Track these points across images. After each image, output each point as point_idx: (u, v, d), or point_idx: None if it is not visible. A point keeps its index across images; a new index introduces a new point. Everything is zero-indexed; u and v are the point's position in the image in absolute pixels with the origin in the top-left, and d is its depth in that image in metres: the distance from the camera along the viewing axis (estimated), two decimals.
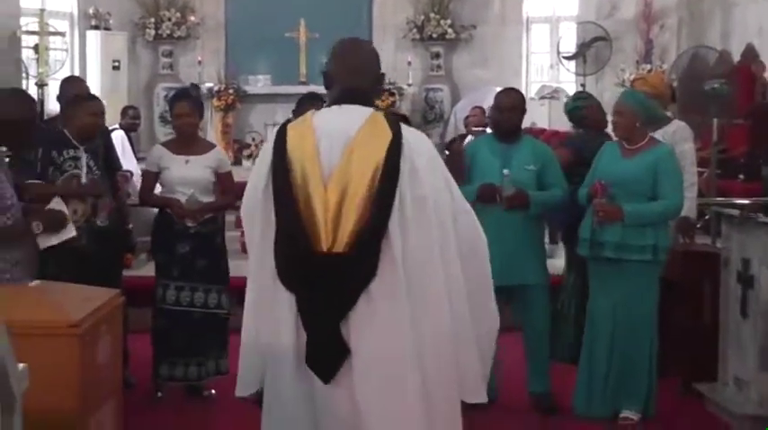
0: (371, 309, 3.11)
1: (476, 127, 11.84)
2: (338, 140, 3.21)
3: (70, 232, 4.80)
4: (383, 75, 3.54)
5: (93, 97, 6.15)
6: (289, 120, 3.40)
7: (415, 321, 3.13)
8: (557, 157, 6.03)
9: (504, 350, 5.85)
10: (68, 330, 3.61)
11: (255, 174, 3.34)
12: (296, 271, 3.17)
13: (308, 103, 5.72)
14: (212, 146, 6.39)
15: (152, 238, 6.26)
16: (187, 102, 6.12)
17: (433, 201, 3.19)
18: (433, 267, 3.17)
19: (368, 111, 3.30)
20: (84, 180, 5.71)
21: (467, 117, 12.42)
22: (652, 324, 5.58)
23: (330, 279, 3.12)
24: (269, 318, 3.25)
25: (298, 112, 5.25)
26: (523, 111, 6.01)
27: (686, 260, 6.22)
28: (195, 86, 6.24)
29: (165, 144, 6.31)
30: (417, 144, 3.25)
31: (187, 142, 6.14)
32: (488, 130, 7.31)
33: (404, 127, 3.27)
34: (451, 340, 3.20)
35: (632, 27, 14.27)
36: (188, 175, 6.01)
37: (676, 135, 6.45)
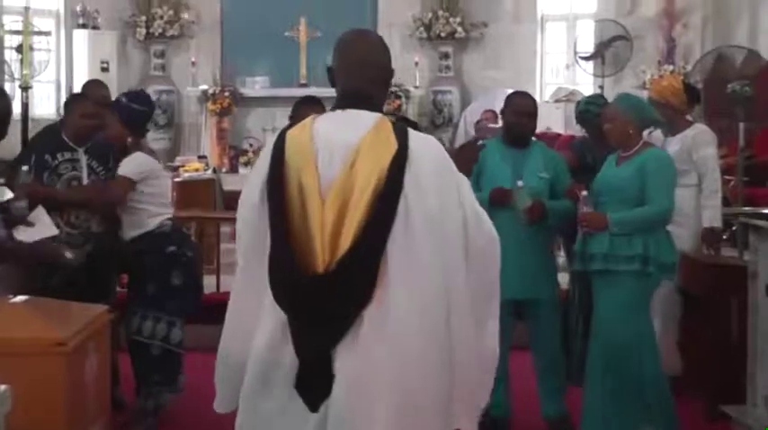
0: (361, 335, 3.03)
1: (488, 131, 11.83)
2: (339, 150, 3.11)
3: (51, 230, 4.86)
4: (392, 71, 3.39)
5: (86, 98, 6.19)
6: (289, 126, 3.30)
7: (406, 346, 3.04)
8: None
9: (518, 368, 5.93)
10: (54, 348, 3.63)
11: (250, 184, 3.27)
12: (289, 291, 3.10)
13: (304, 107, 5.70)
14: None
15: None
16: (109, 108, 6.12)
17: (440, 215, 3.10)
18: (435, 292, 3.09)
19: (374, 117, 3.19)
20: (85, 182, 5.82)
21: (478, 121, 12.43)
22: (644, 343, 5.50)
23: (325, 301, 3.05)
24: (252, 335, 3.18)
25: (294, 118, 5.24)
26: (537, 116, 6.05)
27: (711, 273, 6.22)
28: (131, 92, 6.21)
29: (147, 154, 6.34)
30: (424, 151, 3.14)
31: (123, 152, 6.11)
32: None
33: (412, 134, 3.17)
34: (443, 367, 3.12)
35: (654, 25, 14.27)
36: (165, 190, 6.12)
37: (696, 139, 6.46)
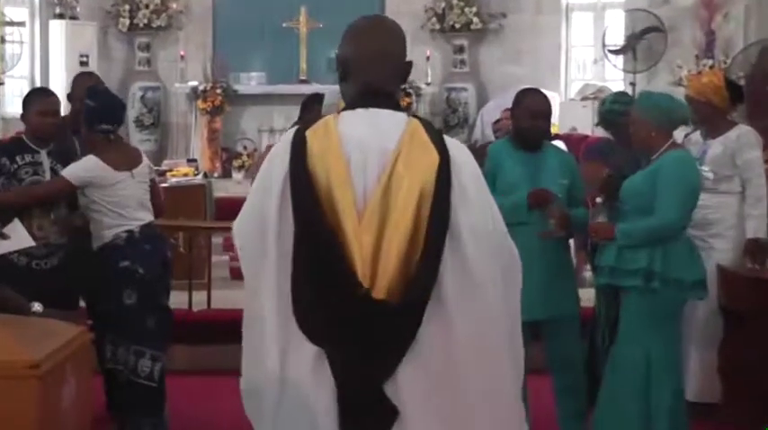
0: (421, 361, 3.01)
1: (506, 133, 11.84)
2: (373, 158, 3.06)
3: (27, 241, 4.90)
4: (411, 63, 3.33)
5: (45, 94, 6.20)
6: (305, 125, 3.19)
7: (467, 371, 3.05)
8: (590, 175, 6.07)
9: (536, 393, 5.93)
10: (27, 371, 3.62)
11: (261, 192, 3.16)
12: (327, 321, 3.03)
13: (319, 105, 5.67)
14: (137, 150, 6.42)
15: None
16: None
17: (485, 227, 3.11)
18: (493, 310, 3.10)
19: (401, 117, 3.16)
20: None
21: (496, 121, 12.41)
22: (653, 369, 5.48)
23: (371, 331, 3.01)
24: (283, 371, 3.08)
25: (307, 117, 5.21)
26: (551, 115, 6.09)
27: (756, 289, 6.20)
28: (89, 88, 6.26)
29: (99, 160, 6.33)
30: (463, 160, 3.14)
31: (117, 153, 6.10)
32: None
33: (447, 139, 3.16)
34: (503, 393, 3.16)
35: (691, 16, 14.24)
36: (134, 193, 6.07)
37: (740, 141, 6.46)
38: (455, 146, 3.17)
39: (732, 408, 6.06)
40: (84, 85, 6.54)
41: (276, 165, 3.13)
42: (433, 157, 3.07)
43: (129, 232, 5.90)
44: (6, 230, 5.36)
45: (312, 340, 3.02)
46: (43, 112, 5.87)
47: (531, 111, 5.91)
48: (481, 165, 4.38)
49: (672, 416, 5.45)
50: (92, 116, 5.92)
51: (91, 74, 7.50)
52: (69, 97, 6.72)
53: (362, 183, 3.05)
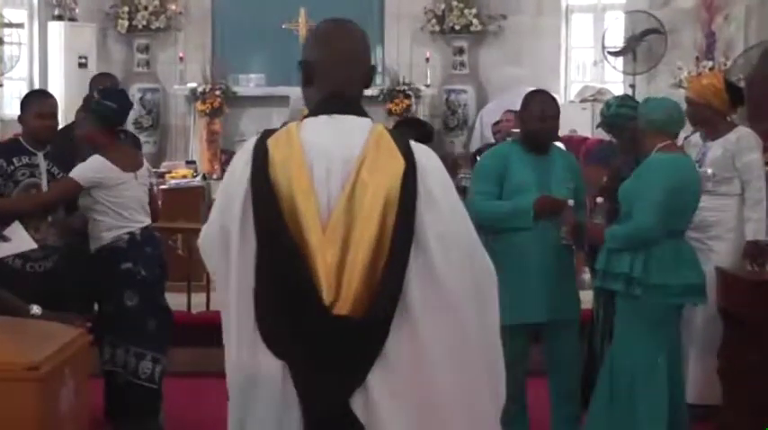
0: (389, 376, 2.91)
1: (507, 136, 11.84)
2: (336, 166, 2.97)
3: (29, 244, 4.91)
4: (374, 68, 3.30)
5: (43, 96, 6.20)
6: (267, 133, 3.09)
7: (438, 387, 2.96)
8: (592, 178, 6.10)
9: (535, 395, 5.94)
10: (26, 374, 3.62)
11: (222, 206, 3.07)
12: (290, 337, 2.93)
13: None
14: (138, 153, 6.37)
15: None
16: (83, 110, 6.11)
17: (453, 232, 3.00)
18: (461, 317, 2.99)
19: (366, 123, 3.07)
20: (45, 189, 5.82)
21: (496, 123, 12.41)
22: (638, 375, 5.50)
23: (335, 346, 2.91)
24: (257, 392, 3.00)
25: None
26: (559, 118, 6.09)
27: (756, 292, 6.19)
28: (102, 90, 6.17)
29: (107, 160, 6.32)
30: (430, 163, 3.05)
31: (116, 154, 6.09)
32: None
33: (413, 145, 3.06)
34: (478, 408, 3.05)
35: (691, 17, 14.24)
36: (137, 195, 6.08)
37: (740, 143, 6.47)
38: (423, 152, 3.06)
39: (732, 411, 6.05)
40: (105, 85, 6.60)
41: (237, 176, 3.03)
42: (399, 164, 2.97)
43: (131, 234, 5.93)
44: (7, 233, 5.37)
45: (277, 355, 2.92)
46: (42, 115, 5.87)
47: (540, 114, 5.89)
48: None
49: (655, 425, 5.46)
50: (112, 116, 5.99)
51: (109, 74, 7.53)
52: (87, 99, 6.65)
53: (326, 192, 2.95)
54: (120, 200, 5.92)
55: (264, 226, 2.94)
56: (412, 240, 2.93)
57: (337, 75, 3.11)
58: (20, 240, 5.40)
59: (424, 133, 6.10)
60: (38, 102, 5.99)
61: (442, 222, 2.98)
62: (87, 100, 6.21)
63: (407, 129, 6.01)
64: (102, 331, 5.73)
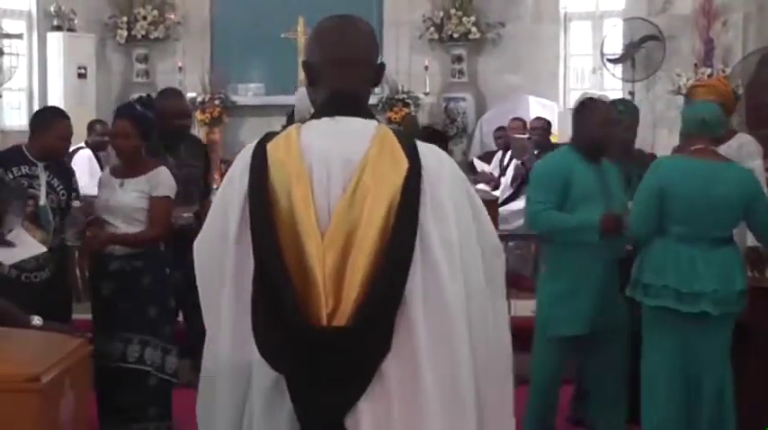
0: (385, 391, 2.78)
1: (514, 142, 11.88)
2: (337, 169, 2.84)
3: (38, 247, 4.94)
4: (383, 66, 3.12)
5: (63, 117, 6.21)
6: (267, 137, 2.98)
7: (441, 401, 2.81)
8: None
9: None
10: (26, 385, 3.60)
11: (219, 211, 2.98)
12: (285, 348, 2.80)
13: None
14: (155, 165, 6.17)
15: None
16: (127, 121, 6.04)
17: (460, 239, 2.86)
18: (462, 331, 2.84)
19: (371, 125, 2.95)
20: (42, 201, 5.84)
21: (496, 129, 12.45)
22: (645, 385, 5.63)
23: (332, 359, 2.78)
24: (240, 401, 2.92)
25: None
26: None
27: (756, 298, 6.18)
28: (143, 100, 6.14)
29: (113, 166, 6.35)
30: (438, 166, 2.91)
31: (127, 163, 6.09)
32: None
33: (421, 146, 2.92)
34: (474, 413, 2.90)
35: (689, 24, 14.22)
36: (114, 200, 5.99)
37: (742, 150, 6.47)
38: (431, 153, 2.94)
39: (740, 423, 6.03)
40: (181, 103, 6.72)
41: (236, 181, 2.93)
42: (402, 167, 2.84)
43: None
44: (11, 238, 5.37)
45: (272, 366, 2.80)
46: (63, 137, 5.97)
47: (603, 120, 5.89)
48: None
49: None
50: (153, 125, 6.11)
51: (177, 91, 7.60)
52: (162, 113, 6.58)
53: (326, 198, 2.82)
54: None
55: (260, 237, 2.83)
56: (414, 247, 2.80)
57: (340, 75, 2.99)
58: (28, 245, 5.41)
59: (442, 140, 6.15)
60: (61, 125, 6.02)
61: (449, 227, 2.85)
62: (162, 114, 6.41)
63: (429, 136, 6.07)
64: (140, 333, 5.84)
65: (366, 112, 3.00)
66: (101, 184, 6.13)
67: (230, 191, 2.94)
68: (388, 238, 2.79)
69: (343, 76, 2.99)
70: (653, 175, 5.59)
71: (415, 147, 2.91)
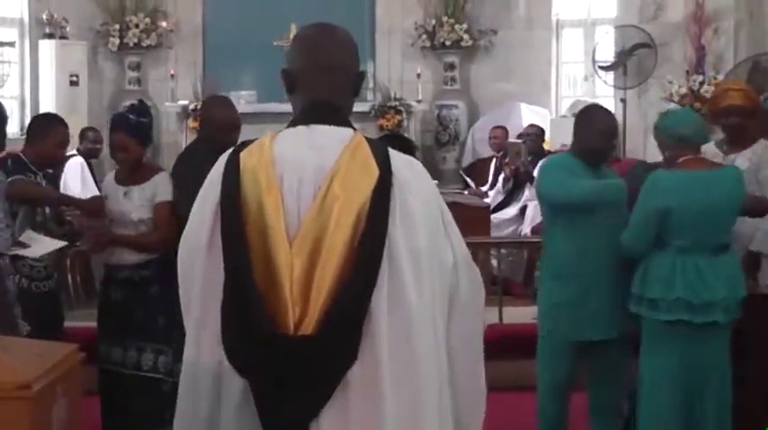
0: (347, 401, 2.79)
1: (498, 151, 11.90)
2: (309, 178, 2.85)
3: (55, 243, 5.04)
4: (363, 74, 3.17)
5: (62, 124, 6.22)
6: (242, 146, 3.00)
7: (400, 412, 2.81)
8: None
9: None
10: (18, 392, 3.58)
11: (194, 221, 3.01)
12: (252, 355, 2.83)
13: None
14: (157, 171, 6.19)
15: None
16: (123, 133, 6.03)
17: (428, 250, 2.88)
18: (428, 341, 2.86)
19: (346, 134, 2.95)
20: (47, 209, 5.87)
21: (490, 138, 12.45)
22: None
23: (297, 368, 2.79)
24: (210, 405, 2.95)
25: None
26: None
27: (753, 304, 6.14)
28: (135, 107, 6.10)
29: (116, 171, 6.33)
30: (410, 176, 2.92)
31: (130, 172, 6.10)
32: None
33: (394, 156, 2.94)
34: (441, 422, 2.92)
35: (681, 31, 14.25)
36: (119, 212, 5.99)
37: (764, 156, 6.36)
38: (403, 163, 2.95)
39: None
40: (229, 111, 6.49)
41: (210, 189, 2.97)
42: (373, 176, 2.85)
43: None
44: (23, 239, 5.42)
45: (239, 373, 2.84)
46: (62, 144, 6.02)
47: (604, 132, 5.87)
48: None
49: None
50: (150, 131, 6.26)
51: (227, 100, 7.12)
52: (206, 120, 6.52)
53: (296, 206, 2.84)
54: None
55: (229, 245, 2.87)
56: (382, 256, 2.80)
57: (319, 82, 3.02)
58: (42, 242, 5.47)
59: (406, 149, 6.09)
60: (61, 133, 6.08)
61: (418, 238, 2.85)
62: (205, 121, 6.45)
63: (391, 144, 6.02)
64: (150, 341, 5.86)
65: (342, 120, 3.01)
66: (106, 193, 6.12)
67: (205, 200, 2.97)
68: (355, 247, 2.80)
69: (320, 83, 3.02)
70: (653, 195, 5.56)
71: (387, 157, 2.92)
